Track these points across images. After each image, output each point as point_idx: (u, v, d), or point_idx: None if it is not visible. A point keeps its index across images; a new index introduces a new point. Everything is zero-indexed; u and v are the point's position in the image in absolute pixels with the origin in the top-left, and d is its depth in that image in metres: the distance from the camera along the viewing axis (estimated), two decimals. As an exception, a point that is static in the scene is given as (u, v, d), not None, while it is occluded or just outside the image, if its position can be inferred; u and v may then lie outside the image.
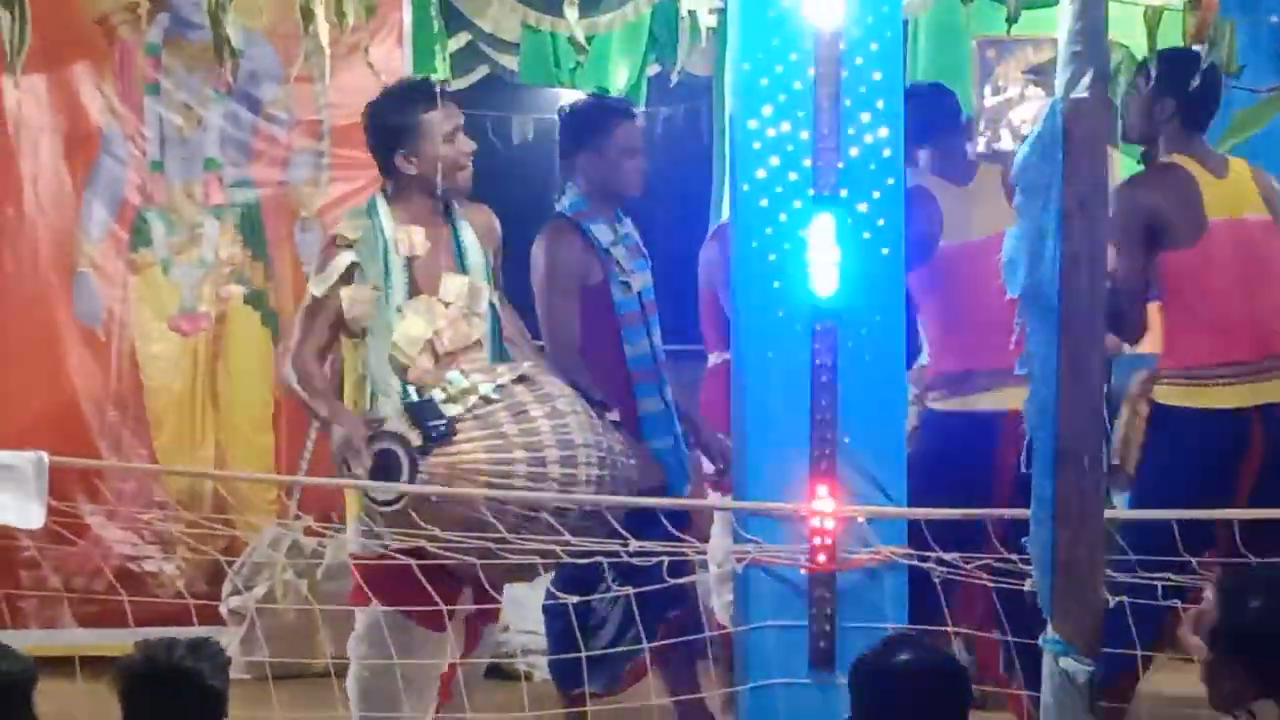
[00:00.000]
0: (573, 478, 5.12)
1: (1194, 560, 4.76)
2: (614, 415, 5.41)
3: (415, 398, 5.14)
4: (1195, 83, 5.64)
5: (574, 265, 5.89)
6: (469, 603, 5.22)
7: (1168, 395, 5.65)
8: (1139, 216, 5.60)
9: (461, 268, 5.42)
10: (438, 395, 5.10)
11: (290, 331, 5.52)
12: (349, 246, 5.36)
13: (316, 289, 5.34)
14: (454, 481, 5.01)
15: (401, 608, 5.13)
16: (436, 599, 4.97)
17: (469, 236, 5.47)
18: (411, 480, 5.00)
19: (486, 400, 5.11)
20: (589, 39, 8.10)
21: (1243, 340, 5.71)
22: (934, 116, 6.00)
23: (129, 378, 7.27)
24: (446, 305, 5.35)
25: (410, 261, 5.36)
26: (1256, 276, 5.78)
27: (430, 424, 5.02)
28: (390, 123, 5.43)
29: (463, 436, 5.05)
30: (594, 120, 6.04)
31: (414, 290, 5.34)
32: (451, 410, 5.07)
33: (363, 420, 5.20)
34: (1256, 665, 3.71)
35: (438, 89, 5.49)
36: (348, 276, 5.33)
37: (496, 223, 5.61)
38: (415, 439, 5.02)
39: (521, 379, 5.22)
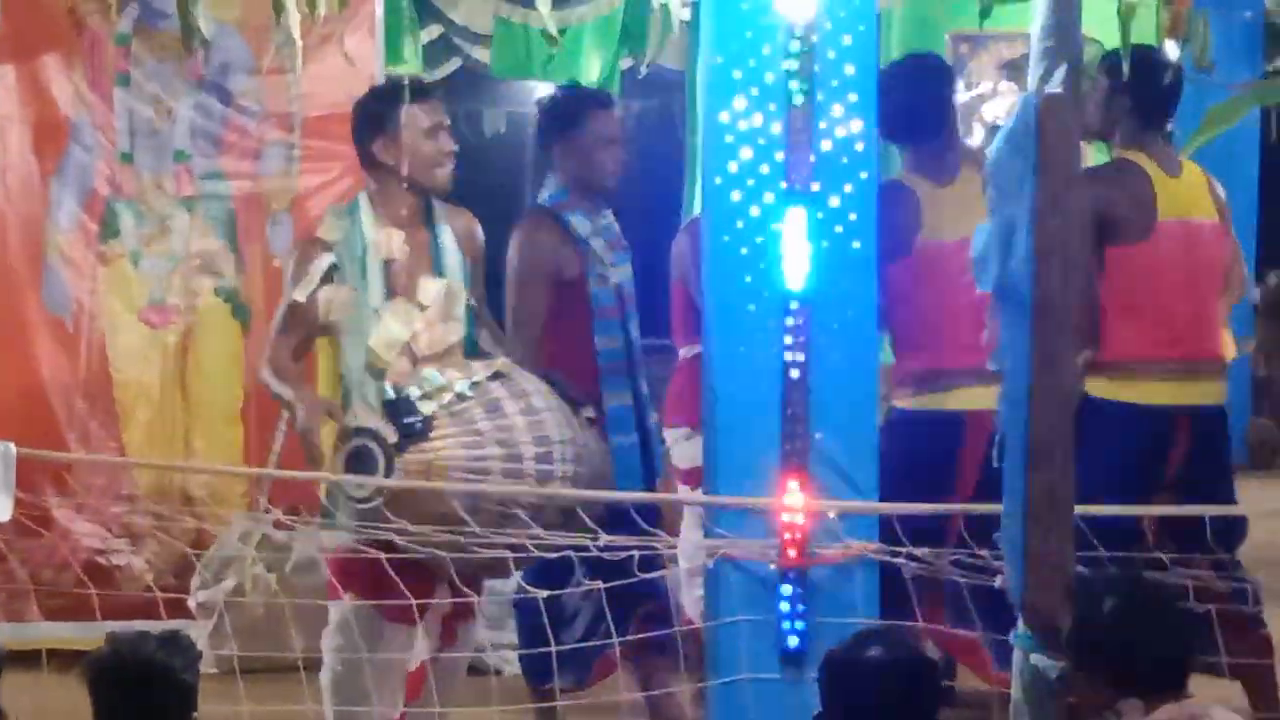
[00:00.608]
0: (549, 473, 5.10)
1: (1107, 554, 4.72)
2: (589, 412, 5.39)
3: (392, 395, 5.12)
4: (1155, 80, 5.65)
5: (547, 257, 5.87)
6: (444, 599, 5.21)
7: (1098, 388, 5.64)
8: (1091, 211, 5.60)
9: (439, 271, 5.41)
10: (414, 393, 5.08)
11: (264, 329, 5.50)
12: (329, 249, 5.35)
13: (300, 294, 5.33)
14: (430, 478, 5.00)
15: (373, 602, 5.11)
16: (406, 593, 4.95)
17: (448, 240, 5.46)
18: (387, 477, 4.98)
19: (461, 397, 5.10)
20: (561, 31, 8.09)
21: (1178, 339, 5.74)
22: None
23: (98, 369, 7.22)
24: (423, 308, 5.33)
25: (388, 264, 5.35)
26: (1199, 278, 5.82)
27: (406, 421, 5.01)
28: (372, 112, 5.44)
29: (438, 433, 5.04)
30: (570, 110, 6.03)
31: (392, 293, 5.33)
32: (427, 407, 5.05)
33: (322, 401, 5.23)
34: (1112, 669, 3.72)
35: (424, 87, 5.52)
36: (327, 278, 5.33)
37: (479, 229, 5.59)
38: (391, 436, 5.00)
39: (497, 375, 5.21)
